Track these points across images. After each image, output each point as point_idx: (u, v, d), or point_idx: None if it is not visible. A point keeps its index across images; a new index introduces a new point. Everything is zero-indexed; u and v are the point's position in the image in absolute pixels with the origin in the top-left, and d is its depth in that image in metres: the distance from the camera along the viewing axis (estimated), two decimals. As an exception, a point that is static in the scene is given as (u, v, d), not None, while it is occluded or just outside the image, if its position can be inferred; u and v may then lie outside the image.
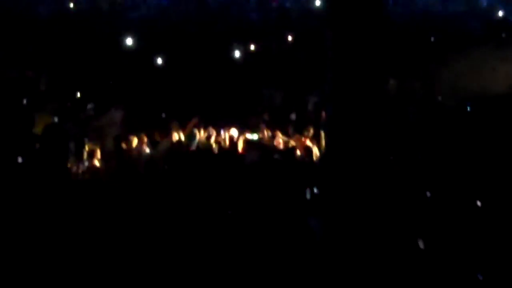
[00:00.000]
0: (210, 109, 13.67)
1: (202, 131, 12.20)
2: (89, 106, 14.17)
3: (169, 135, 11.86)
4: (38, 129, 11.81)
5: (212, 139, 12.09)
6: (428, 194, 8.83)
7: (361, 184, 7.76)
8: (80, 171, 10.69)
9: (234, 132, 12.37)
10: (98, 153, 10.96)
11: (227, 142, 11.96)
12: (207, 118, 12.81)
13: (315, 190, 8.47)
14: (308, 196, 7.43)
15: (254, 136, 12.26)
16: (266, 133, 12.40)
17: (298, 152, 11.16)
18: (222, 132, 12.35)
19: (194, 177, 9.51)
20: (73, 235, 8.45)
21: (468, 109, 14.12)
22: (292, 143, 11.67)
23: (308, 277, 7.54)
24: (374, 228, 6.79)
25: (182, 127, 12.24)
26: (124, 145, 11.21)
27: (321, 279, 7.25)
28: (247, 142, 11.84)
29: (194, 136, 12.09)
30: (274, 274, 7.74)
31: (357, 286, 6.82)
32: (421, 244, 7.03)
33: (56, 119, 12.37)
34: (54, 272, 7.95)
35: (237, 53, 16.65)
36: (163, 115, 13.86)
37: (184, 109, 13.61)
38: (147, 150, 11.50)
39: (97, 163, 10.81)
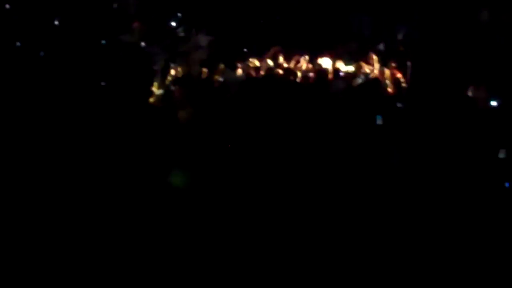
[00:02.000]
0: (294, 37, 13.43)
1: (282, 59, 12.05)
2: (178, 30, 14.18)
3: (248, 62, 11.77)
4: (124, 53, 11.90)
5: (302, 66, 11.88)
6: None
7: (444, 116, 7.58)
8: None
9: (325, 61, 12.09)
10: None
11: (314, 72, 11.71)
12: (290, 46, 12.61)
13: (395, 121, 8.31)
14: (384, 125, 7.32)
15: (350, 68, 11.95)
16: (362, 64, 12.12)
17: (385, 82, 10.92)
18: (306, 60, 12.12)
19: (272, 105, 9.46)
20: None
21: None
22: (378, 73, 11.41)
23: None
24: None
25: (262, 55, 12.11)
26: (206, 71, 11.17)
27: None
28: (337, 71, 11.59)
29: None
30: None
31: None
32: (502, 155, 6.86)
33: (142, 42, 12.42)
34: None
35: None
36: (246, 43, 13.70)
37: (267, 36, 13.43)
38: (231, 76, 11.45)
39: None
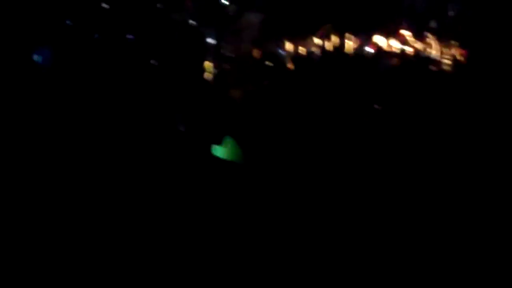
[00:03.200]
0: (345, 15, 13.34)
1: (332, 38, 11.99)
2: (231, 9, 14.17)
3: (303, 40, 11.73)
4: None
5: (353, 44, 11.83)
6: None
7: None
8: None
9: (379, 39, 12.01)
10: None
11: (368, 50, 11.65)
12: (341, 24, 12.53)
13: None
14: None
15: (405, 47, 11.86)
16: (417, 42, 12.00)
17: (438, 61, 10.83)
18: (358, 39, 12.05)
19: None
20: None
21: None
22: (434, 51, 11.31)
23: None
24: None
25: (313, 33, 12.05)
26: (256, 50, 11.19)
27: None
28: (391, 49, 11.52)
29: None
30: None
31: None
32: None
33: (192, 21, 12.44)
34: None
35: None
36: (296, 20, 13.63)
37: (319, 14, 13.36)
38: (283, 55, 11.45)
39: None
